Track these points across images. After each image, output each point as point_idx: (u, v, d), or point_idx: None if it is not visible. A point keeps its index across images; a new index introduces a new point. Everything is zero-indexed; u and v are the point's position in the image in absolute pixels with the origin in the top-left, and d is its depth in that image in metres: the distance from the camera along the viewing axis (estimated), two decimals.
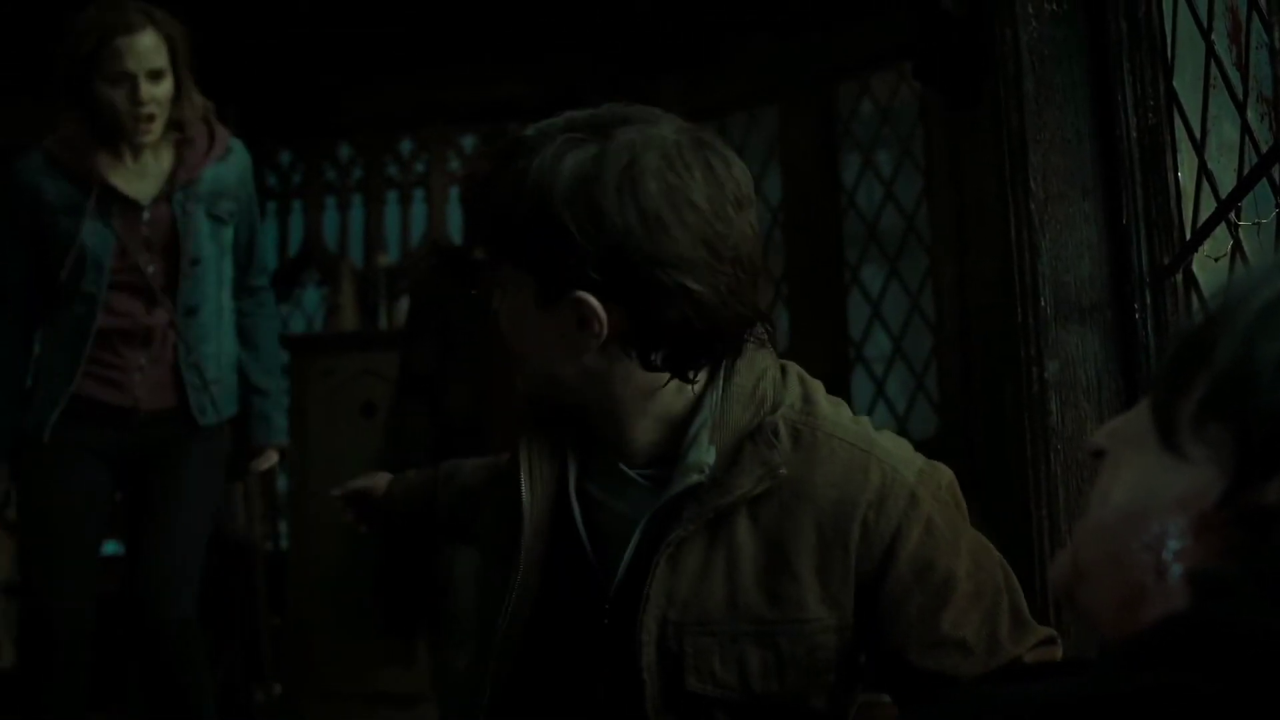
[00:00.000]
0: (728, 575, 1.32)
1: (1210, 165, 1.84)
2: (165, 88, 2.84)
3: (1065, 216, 1.99)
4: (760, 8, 4.72)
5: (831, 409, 1.37)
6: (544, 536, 1.41)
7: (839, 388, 4.42)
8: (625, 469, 1.39)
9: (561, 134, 1.27)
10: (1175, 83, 1.95)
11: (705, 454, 1.31)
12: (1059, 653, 1.38)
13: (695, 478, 1.31)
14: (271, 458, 3.27)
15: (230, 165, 3.02)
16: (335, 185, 6.52)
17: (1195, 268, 1.88)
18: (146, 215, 2.91)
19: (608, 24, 5.52)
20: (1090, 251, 1.98)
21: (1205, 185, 1.86)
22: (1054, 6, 2.05)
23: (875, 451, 1.32)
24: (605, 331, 1.27)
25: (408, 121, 6.16)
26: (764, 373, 1.36)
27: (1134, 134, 1.96)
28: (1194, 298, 1.88)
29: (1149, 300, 1.94)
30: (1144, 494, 0.78)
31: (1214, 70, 1.80)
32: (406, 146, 6.27)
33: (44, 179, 2.89)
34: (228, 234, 3.04)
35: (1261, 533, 0.68)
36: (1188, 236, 1.91)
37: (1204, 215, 1.85)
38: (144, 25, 2.81)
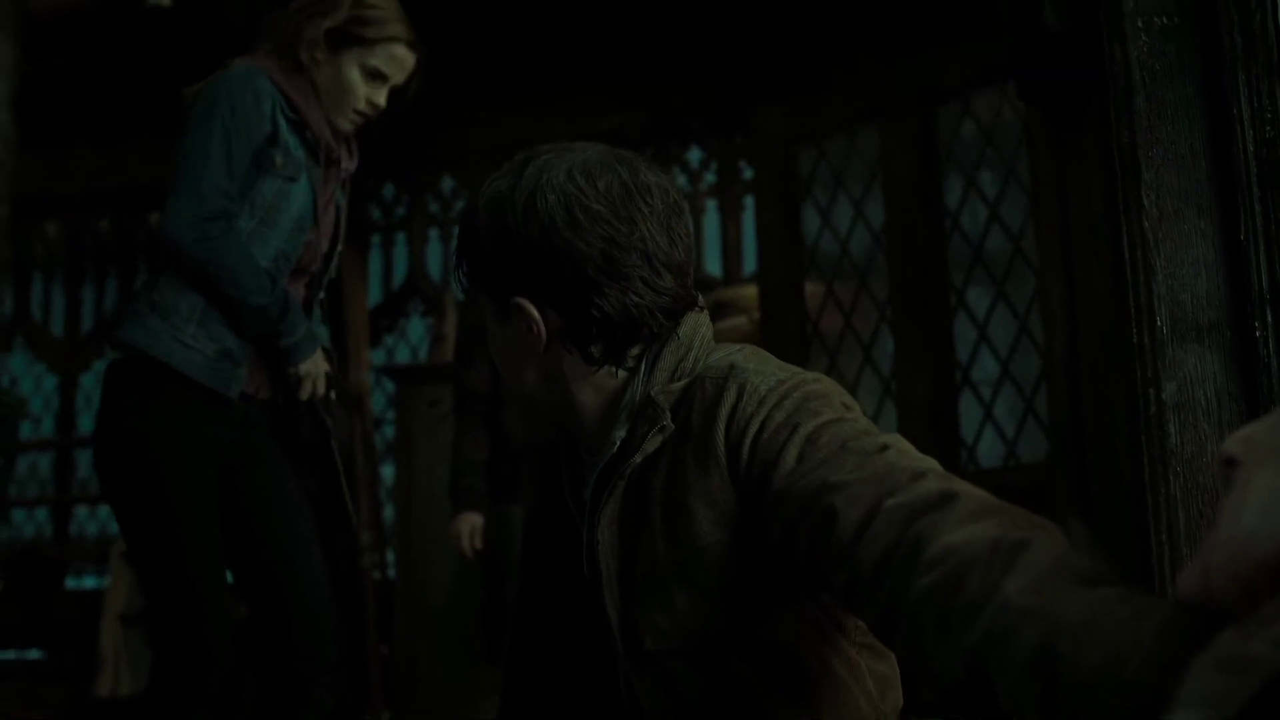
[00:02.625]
0: (647, 532, 1.44)
1: None
2: (383, 106, 2.85)
3: (1181, 234, 1.95)
4: (859, 31, 4.70)
5: (746, 361, 1.46)
6: (548, 549, 1.61)
7: (946, 411, 4.38)
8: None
9: (497, 174, 1.50)
10: None
11: (619, 431, 1.46)
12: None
13: (609, 452, 1.46)
14: None
15: None
16: (438, 217, 6.61)
17: None
18: (334, 193, 2.83)
19: (710, 52, 5.54)
20: (1207, 269, 1.94)
21: None
22: (1164, 20, 2.01)
23: (732, 374, 1.42)
24: (544, 331, 1.45)
25: (510, 153, 6.22)
26: (687, 353, 1.48)
27: (1251, 148, 1.92)
28: None
29: (1270, 318, 1.89)
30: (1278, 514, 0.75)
31: None
32: None
33: (278, 111, 2.71)
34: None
35: None
36: None
37: None
38: (416, 47, 2.83)
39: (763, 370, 1.43)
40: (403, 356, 6.61)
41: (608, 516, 1.46)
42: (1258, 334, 1.89)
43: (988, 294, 4.40)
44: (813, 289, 4.84)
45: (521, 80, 5.99)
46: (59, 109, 5.95)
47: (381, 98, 2.82)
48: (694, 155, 6.41)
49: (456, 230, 1.56)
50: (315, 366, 2.74)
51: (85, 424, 7.07)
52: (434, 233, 6.62)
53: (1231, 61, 1.94)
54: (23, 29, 4.27)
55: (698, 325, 1.51)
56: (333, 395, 2.84)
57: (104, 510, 6.66)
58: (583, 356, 1.46)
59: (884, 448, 1.28)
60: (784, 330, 4.78)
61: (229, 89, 2.66)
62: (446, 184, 6.63)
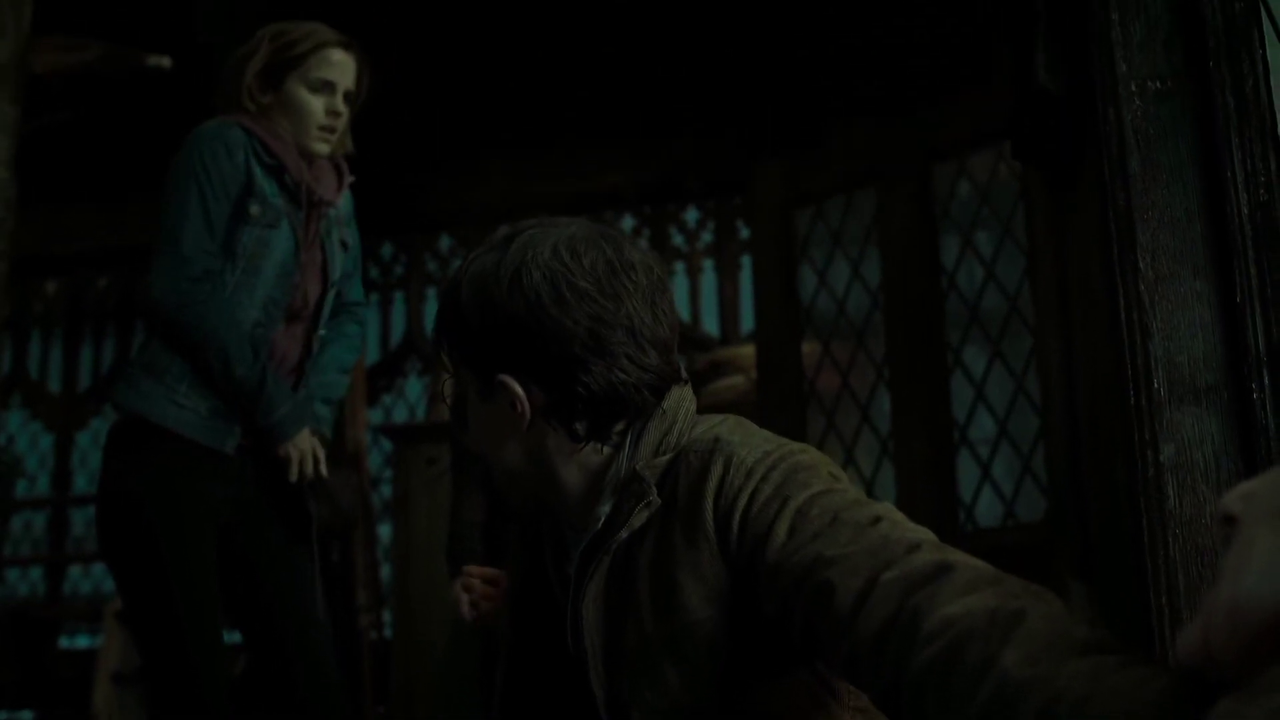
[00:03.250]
0: (634, 608, 1.42)
1: None
2: (346, 111, 2.84)
3: (1177, 296, 1.95)
4: (856, 92, 4.74)
5: (730, 433, 1.45)
6: (532, 621, 1.61)
7: (944, 470, 4.37)
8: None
9: (480, 249, 1.49)
10: None
11: (604, 506, 1.45)
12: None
13: (594, 528, 1.44)
14: None
15: (347, 195, 2.96)
16: (436, 276, 6.63)
17: None
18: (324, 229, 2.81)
19: (708, 112, 5.57)
20: (1204, 331, 1.94)
21: None
22: (1157, 84, 2.03)
23: (718, 447, 1.40)
24: (528, 408, 1.44)
25: (507, 212, 6.27)
26: (671, 426, 1.47)
27: (1245, 211, 1.93)
28: None
29: (1267, 380, 1.89)
30: None
31: None
32: None
33: (252, 160, 2.72)
34: (343, 262, 2.92)
35: None
36: None
37: None
38: (350, 47, 2.84)
39: (748, 442, 1.41)
40: (400, 416, 6.61)
41: (592, 593, 1.45)
42: (1255, 396, 1.89)
43: (984, 353, 4.40)
44: (809, 348, 4.84)
45: (519, 140, 6.03)
46: (59, 168, 5.97)
47: (338, 104, 2.82)
48: (691, 215, 6.45)
49: (437, 305, 1.54)
50: (302, 447, 2.71)
51: (81, 483, 7.05)
52: (432, 292, 6.64)
53: (1225, 124, 1.95)
54: (25, 90, 4.29)
55: (681, 399, 1.49)
56: (324, 473, 2.78)
57: (98, 569, 6.63)
58: (567, 434, 1.46)
59: (876, 519, 1.27)
60: (781, 390, 4.77)
61: (200, 147, 2.69)
62: (444, 243, 6.65)
